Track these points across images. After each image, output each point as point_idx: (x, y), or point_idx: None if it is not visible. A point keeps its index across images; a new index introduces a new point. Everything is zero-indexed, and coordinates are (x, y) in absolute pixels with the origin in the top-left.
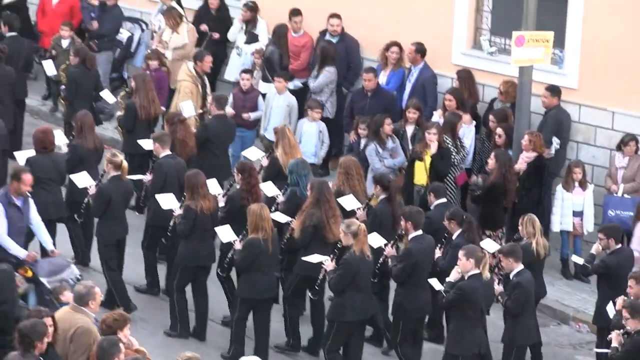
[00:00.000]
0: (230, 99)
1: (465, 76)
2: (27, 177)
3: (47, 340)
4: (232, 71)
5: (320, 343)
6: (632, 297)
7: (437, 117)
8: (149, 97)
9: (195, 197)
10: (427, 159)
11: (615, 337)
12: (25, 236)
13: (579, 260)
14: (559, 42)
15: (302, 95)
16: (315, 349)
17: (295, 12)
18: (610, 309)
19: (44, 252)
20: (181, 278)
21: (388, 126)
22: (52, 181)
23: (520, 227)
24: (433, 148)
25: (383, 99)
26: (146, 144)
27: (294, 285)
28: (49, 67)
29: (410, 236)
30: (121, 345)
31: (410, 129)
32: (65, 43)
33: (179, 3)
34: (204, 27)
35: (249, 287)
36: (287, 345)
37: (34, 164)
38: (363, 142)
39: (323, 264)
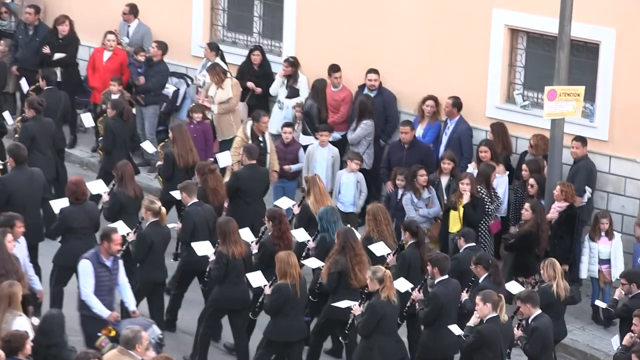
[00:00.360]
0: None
1: (499, 129)
2: (117, 237)
3: None
4: (274, 124)
5: None
6: (636, 335)
7: (472, 168)
8: (186, 147)
9: (227, 243)
10: (461, 209)
11: (627, 339)
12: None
13: (602, 304)
14: (590, 96)
15: (341, 146)
16: None
17: (334, 68)
18: (615, 342)
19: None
20: (213, 318)
21: (422, 177)
22: (86, 229)
23: (542, 271)
24: (465, 198)
25: (419, 151)
26: (176, 193)
27: (320, 326)
28: (87, 120)
29: (437, 280)
30: None
31: (445, 180)
32: (115, 97)
33: (222, 59)
34: (250, 84)
35: (277, 330)
36: None
37: (67, 214)
38: (400, 192)
39: (352, 308)
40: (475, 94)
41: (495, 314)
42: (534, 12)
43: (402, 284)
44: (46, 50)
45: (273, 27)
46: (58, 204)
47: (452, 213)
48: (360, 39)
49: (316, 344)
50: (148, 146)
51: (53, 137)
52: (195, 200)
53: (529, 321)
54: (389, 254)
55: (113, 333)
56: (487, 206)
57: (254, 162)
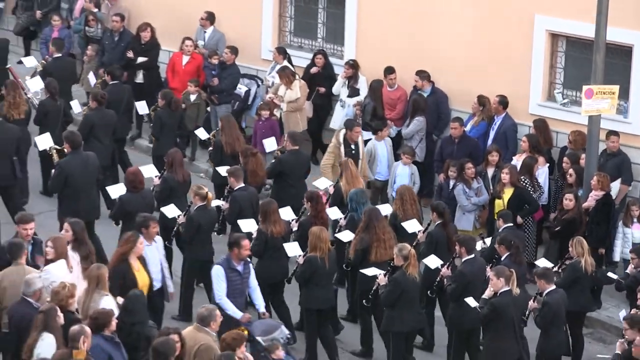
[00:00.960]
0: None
1: (541, 125)
2: (246, 243)
3: (176, 355)
4: (336, 121)
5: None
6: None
7: (516, 160)
8: (233, 135)
9: (266, 222)
10: (505, 197)
11: (619, 346)
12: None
13: (614, 276)
14: (624, 94)
15: (397, 141)
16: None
17: (389, 70)
18: (622, 315)
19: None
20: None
21: (470, 170)
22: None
23: (570, 248)
24: (507, 186)
25: (468, 145)
26: (222, 170)
27: (360, 297)
28: (142, 107)
29: (464, 259)
30: None
31: (491, 171)
32: (193, 97)
33: (289, 62)
34: (322, 90)
35: (309, 298)
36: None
37: (125, 200)
38: (452, 183)
39: (377, 277)
40: (519, 93)
41: (507, 288)
42: (573, 18)
43: (433, 261)
44: (130, 54)
45: (335, 33)
46: (115, 190)
47: (497, 201)
48: (414, 43)
49: (363, 320)
50: (201, 133)
51: (114, 127)
52: (242, 184)
53: (543, 295)
54: (419, 231)
55: (246, 333)
56: (530, 195)
57: (297, 147)
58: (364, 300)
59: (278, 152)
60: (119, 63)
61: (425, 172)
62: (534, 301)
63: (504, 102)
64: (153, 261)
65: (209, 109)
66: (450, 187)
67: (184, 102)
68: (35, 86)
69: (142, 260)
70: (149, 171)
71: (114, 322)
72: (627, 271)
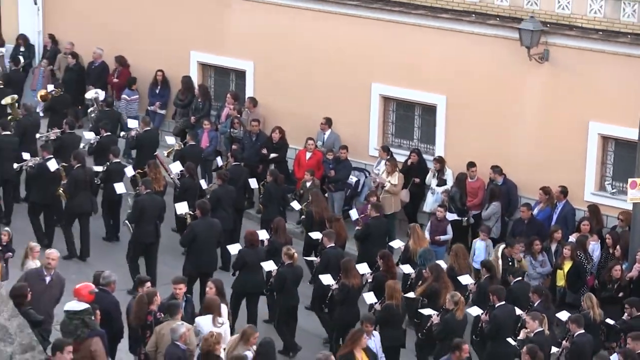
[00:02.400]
0: (428, 225)
1: (594, 209)
2: (465, 347)
3: None
4: (428, 205)
5: None
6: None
7: (573, 238)
8: (321, 206)
9: (348, 277)
10: (565, 268)
11: None
12: None
13: (611, 322)
14: None
15: (476, 222)
16: None
17: (471, 165)
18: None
19: None
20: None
21: (537, 246)
22: (255, 266)
23: (582, 303)
24: (567, 259)
25: (535, 226)
26: (314, 234)
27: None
28: (253, 183)
29: (497, 305)
30: None
31: (553, 246)
32: (308, 184)
33: (392, 158)
34: (417, 180)
35: (387, 336)
36: None
37: (244, 254)
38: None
39: (432, 316)
40: (576, 184)
41: (540, 329)
42: (620, 124)
43: (474, 310)
44: (264, 151)
45: (428, 135)
46: (234, 248)
47: (559, 272)
48: (490, 143)
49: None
50: (295, 205)
51: (234, 200)
52: (332, 244)
53: (573, 337)
54: (472, 283)
55: None
56: (584, 266)
57: (379, 215)
58: (419, 334)
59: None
60: (255, 158)
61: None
62: (566, 341)
63: (564, 191)
64: None
65: (326, 195)
66: (522, 257)
67: (302, 189)
68: (176, 169)
69: (367, 351)
70: (262, 234)
71: None
72: (624, 318)
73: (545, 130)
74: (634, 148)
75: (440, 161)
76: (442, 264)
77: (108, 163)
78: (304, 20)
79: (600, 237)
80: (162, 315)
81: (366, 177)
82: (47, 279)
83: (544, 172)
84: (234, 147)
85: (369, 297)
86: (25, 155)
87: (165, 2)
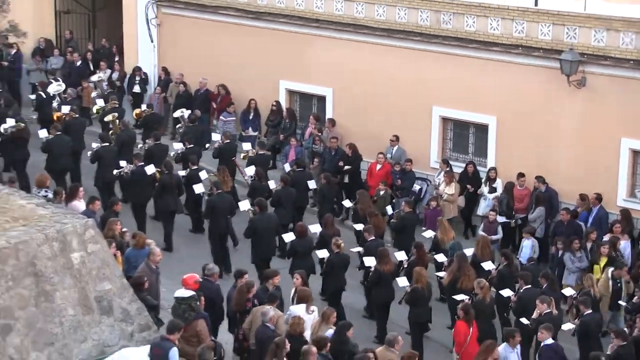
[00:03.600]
0: (482, 226)
1: (625, 213)
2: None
3: None
4: (481, 209)
5: None
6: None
7: (607, 238)
8: (366, 204)
9: (381, 263)
10: (601, 263)
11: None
12: None
13: (623, 303)
14: None
15: (522, 224)
16: None
17: (520, 175)
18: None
19: None
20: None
21: (575, 244)
22: (305, 253)
23: (584, 282)
24: (603, 256)
25: (574, 227)
26: (357, 226)
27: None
28: (311, 184)
29: (523, 288)
30: None
31: (589, 245)
32: (381, 192)
33: (450, 169)
34: (471, 188)
35: (415, 315)
36: None
37: (295, 244)
38: (560, 252)
39: (464, 301)
40: (610, 192)
41: (548, 310)
42: None
43: (506, 292)
44: (341, 164)
45: (481, 150)
46: (288, 237)
47: (595, 266)
48: (535, 156)
49: None
50: (347, 203)
51: (294, 199)
52: (373, 237)
53: (582, 316)
54: (493, 269)
55: None
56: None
57: (411, 210)
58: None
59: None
60: (333, 170)
61: (544, 245)
62: (577, 319)
63: (599, 197)
64: None
65: (394, 200)
66: (560, 255)
67: (376, 196)
68: (250, 172)
69: None
70: (314, 228)
71: (329, 345)
72: (633, 301)
73: (583, 145)
74: None
75: (493, 171)
76: (468, 252)
77: (189, 169)
78: (374, 53)
79: (631, 237)
80: (258, 303)
81: (428, 185)
82: (156, 270)
83: (581, 181)
84: (315, 161)
85: (402, 281)
86: (122, 163)
87: (259, 40)
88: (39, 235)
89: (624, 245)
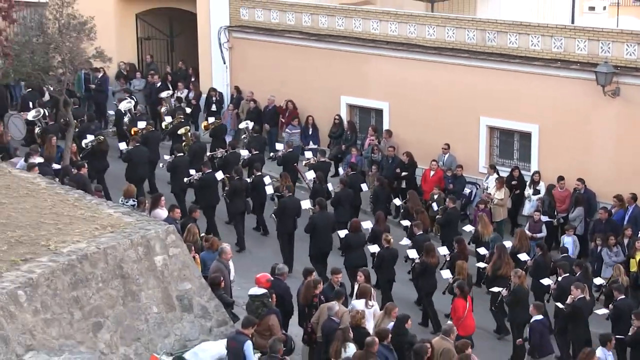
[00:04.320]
0: (527, 225)
1: None
2: None
3: (427, 356)
4: (526, 210)
5: None
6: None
7: None
8: (415, 203)
9: (428, 256)
10: (637, 257)
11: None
12: None
13: None
14: None
15: (564, 222)
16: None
17: (560, 178)
18: None
19: None
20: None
21: (611, 240)
22: (358, 247)
23: (614, 271)
24: (638, 250)
25: (611, 224)
26: (404, 222)
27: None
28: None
29: (562, 276)
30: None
31: (626, 240)
32: (435, 196)
33: (497, 174)
34: (517, 191)
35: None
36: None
37: (349, 238)
38: (599, 247)
39: (502, 292)
40: None
41: (582, 295)
42: None
43: (546, 280)
44: (397, 171)
45: (525, 155)
46: (342, 233)
47: (632, 260)
48: (574, 161)
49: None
50: (397, 201)
51: (352, 199)
52: (421, 232)
53: (616, 300)
54: (528, 259)
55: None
56: None
57: (455, 206)
58: (493, 307)
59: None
60: (392, 177)
61: (583, 241)
62: (611, 305)
63: (634, 197)
64: None
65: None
66: (598, 250)
67: (431, 199)
68: (310, 176)
69: None
70: (366, 224)
71: (390, 336)
72: None
73: (618, 149)
74: None
75: (538, 175)
76: (508, 243)
77: (254, 175)
78: (426, 69)
79: None
80: (324, 299)
81: (477, 189)
82: (229, 269)
83: (617, 183)
84: (373, 169)
85: (445, 274)
86: (192, 172)
87: (321, 60)
88: (125, 241)
89: None
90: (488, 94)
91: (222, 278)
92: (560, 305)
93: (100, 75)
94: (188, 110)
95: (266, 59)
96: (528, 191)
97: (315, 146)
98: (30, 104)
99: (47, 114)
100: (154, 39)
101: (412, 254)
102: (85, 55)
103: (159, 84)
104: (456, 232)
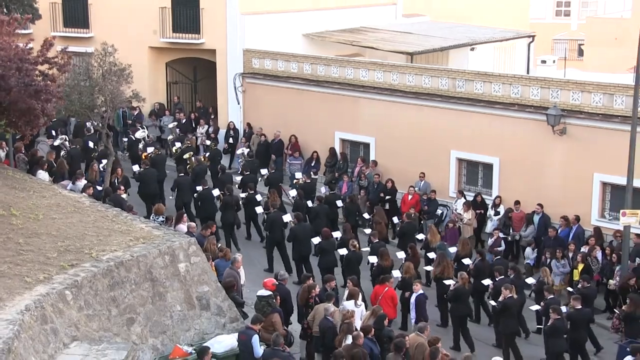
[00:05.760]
0: (490, 241)
1: (597, 230)
2: None
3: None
4: (488, 228)
5: None
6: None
7: (584, 249)
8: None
9: (383, 259)
10: (579, 268)
11: None
12: None
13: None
14: None
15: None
16: None
17: (516, 202)
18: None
19: None
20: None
21: (559, 254)
22: (330, 252)
23: (541, 273)
24: (580, 263)
25: (559, 241)
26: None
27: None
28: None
29: (497, 279)
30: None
31: (571, 254)
32: (412, 215)
33: (466, 201)
34: (481, 212)
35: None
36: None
37: (323, 245)
38: (548, 260)
39: (450, 285)
40: (585, 214)
41: (510, 295)
42: (616, 174)
43: (486, 281)
44: (382, 194)
45: (487, 182)
46: (315, 240)
47: (575, 271)
48: (529, 188)
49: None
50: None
51: (326, 213)
52: (377, 240)
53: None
54: (470, 263)
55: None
56: (592, 267)
57: (410, 221)
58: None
59: None
60: (376, 200)
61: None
62: (542, 302)
63: (578, 218)
64: None
65: (422, 222)
66: (548, 262)
67: (408, 217)
68: (292, 194)
69: None
70: (336, 234)
71: (373, 331)
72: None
73: (565, 179)
74: (624, 190)
75: (499, 199)
76: (453, 250)
77: (247, 192)
78: (407, 110)
79: (602, 248)
80: (319, 300)
81: (447, 210)
82: (240, 275)
83: (564, 206)
84: (362, 192)
85: (396, 273)
86: (198, 188)
87: (319, 101)
88: (154, 250)
89: (598, 255)
90: (457, 132)
91: (234, 282)
92: (493, 302)
93: (136, 112)
94: (208, 142)
95: (273, 100)
96: (490, 212)
97: (317, 177)
98: (53, 132)
99: (68, 140)
100: (181, 83)
101: (372, 259)
102: (123, 96)
103: (184, 121)
104: (413, 240)
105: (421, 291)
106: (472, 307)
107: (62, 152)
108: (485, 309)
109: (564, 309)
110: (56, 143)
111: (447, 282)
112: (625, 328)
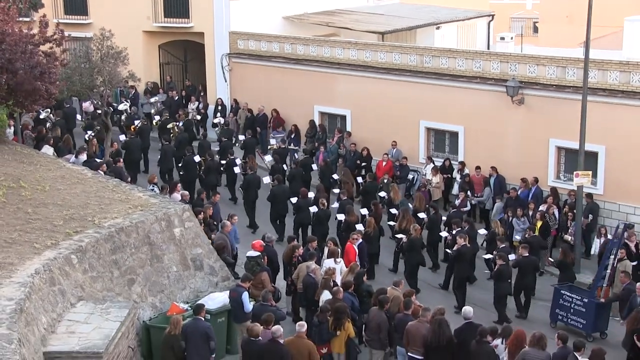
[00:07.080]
0: (456, 201)
1: (554, 190)
2: None
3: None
4: (454, 190)
5: None
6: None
7: (542, 207)
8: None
9: (349, 215)
10: (538, 225)
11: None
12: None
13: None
14: (594, 175)
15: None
16: None
17: (477, 167)
18: None
19: None
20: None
21: (519, 212)
22: (305, 209)
23: (492, 224)
24: (539, 220)
25: (519, 201)
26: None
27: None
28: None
29: (454, 231)
30: None
31: (530, 212)
32: (385, 180)
33: (434, 166)
34: (447, 176)
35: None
36: None
37: (298, 202)
38: (510, 218)
39: (402, 238)
40: (543, 175)
41: (464, 243)
42: (569, 139)
43: (444, 233)
44: (358, 162)
45: (453, 149)
46: (293, 200)
47: (535, 227)
48: (489, 153)
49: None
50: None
51: (301, 176)
52: (345, 198)
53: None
54: (425, 217)
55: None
56: (549, 224)
57: (374, 181)
58: (397, 248)
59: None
60: (354, 166)
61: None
62: (495, 252)
63: (536, 180)
64: None
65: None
66: (510, 220)
67: (381, 183)
68: (268, 159)
69: None
70: (310, 194)
71: (353, 286)
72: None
73: (523, 144)
74: (577, 153)
75: (463, 164)
76: (410, 206)
77: (227, 158)
78: (379, 85)
79: (558, 206)
80: (302, 259)
81: (418, 175)
82: (230, 239)
83: (523, 169)
84: (340, 160)
85: (359, 227)
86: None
87: (299, 78)
88: (151, 217)
89: (555, 212)
90: (425, 103)
91: (224, 245)
92: (449, 251)
93: (133, 91)
94: (198, 117)
95: (258, 77)
96: (456, 176)
97: (297, 147)
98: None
99: (53, 112)
100: (172, 63)
101: (340, 216)
102: (120, 76)
103: (176, 98)
104: (374, 198)
105: (360, 240)
106: (423, 258)
107: (48, 124)
108: (433, 257)
109: (512, 257)
110: (42, 116)
111: (398, 235)
112: (560, 274)
